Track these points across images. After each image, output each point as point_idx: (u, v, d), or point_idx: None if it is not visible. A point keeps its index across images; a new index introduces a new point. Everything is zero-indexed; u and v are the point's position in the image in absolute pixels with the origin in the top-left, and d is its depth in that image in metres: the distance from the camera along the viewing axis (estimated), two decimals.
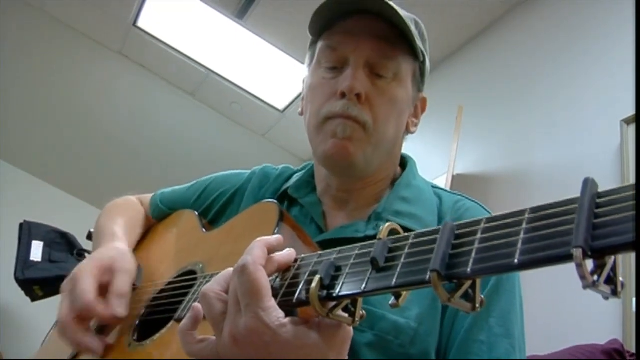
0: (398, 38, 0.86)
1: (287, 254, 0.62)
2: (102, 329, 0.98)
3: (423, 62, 0.92)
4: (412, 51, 0.88)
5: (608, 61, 2.24)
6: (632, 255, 1.66)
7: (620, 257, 0.37)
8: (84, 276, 0.88)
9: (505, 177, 2.52)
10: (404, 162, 0.97)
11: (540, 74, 2.59)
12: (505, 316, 0.77)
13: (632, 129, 1.98)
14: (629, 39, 2.10)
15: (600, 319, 1.79)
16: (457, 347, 0.76)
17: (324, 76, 0.88)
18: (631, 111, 1.97)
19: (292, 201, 0.96)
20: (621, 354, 1.54)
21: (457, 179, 2.61)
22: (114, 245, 0.99)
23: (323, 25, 0.89)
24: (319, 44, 0.90)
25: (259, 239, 0.62)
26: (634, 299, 1.67)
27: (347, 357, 0.59)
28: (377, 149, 0.86)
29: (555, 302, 1.94)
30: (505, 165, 2.55)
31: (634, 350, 1.56)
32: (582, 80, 2.33)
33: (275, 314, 0.55)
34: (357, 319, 0.56)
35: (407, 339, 0.75)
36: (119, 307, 0.86)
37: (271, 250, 0.62)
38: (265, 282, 0.56)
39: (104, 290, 0.89)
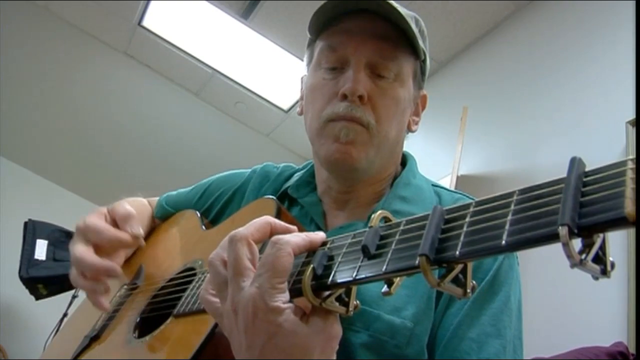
0: (399, 37, 0.85)
1: (319, 235, 0.61)
2: (105, 327, 0.99)
3: (424, 61, 0.91)
4: (413, 50, 0.87)
5: (613, 63, 2.23)
6: (632, 255, 1.65)
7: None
8: (91, 217, 0.95)
9: (510, 178, 2.51)
10: (404, 160, 0.96)
11: (545, 75, 2.58)
12: (498, 316, 0.75)
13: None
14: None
15: (605, 321, 1.78)
16: (445, 343, 0.74)
17: (324, 77, 0.87)
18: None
19: (293, 201, 0.96)
20: (625, 356, 1.53)
21: (461, 180, 2.60)
22: None
23: (323, 25, 0.88)
24: (319, 44, 0.89)
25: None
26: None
27: (334, 357, 0.57)
28: (380, 150, 0.85)
29: (560, 303, 1.93)
30: (510, 166, 2.54)
31: None
32: (587, 82, 2.32)
33: (279, 296, 0.54)
34: (351, 309, 0.55)
35: (403, 340, 0.73)
36: (134, 228, 0.93)
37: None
38: (289, 264, 0.56)
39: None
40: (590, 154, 2.13)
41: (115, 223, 0.96)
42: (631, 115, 1.99)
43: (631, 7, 2.19)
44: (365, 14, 0.84)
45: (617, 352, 1.54)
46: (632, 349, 1.57)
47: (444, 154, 2.79)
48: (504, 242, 0.39)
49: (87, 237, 0.93)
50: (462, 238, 0.43)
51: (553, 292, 1.92)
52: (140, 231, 0.94)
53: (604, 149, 2.07)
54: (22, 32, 3.87)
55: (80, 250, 0.91)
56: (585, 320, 1.85)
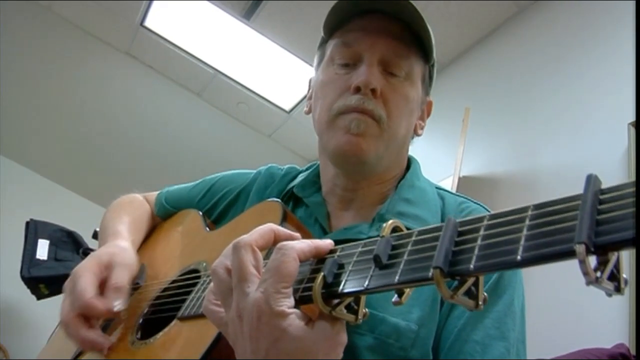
0: (412, 38, 0.87)
1: (326, 242, 0.61)
2: (106, 328, 0.99)
3: (432, 66, 0.93)
4: (424, 53, 0.89)
5: (616, 64, 2.23)
6: (633, 257, 1.65)
7: (624, 255, 0.37)
8: (84, 274, 0.89)
9: (511, 179, 2.50)
10: (408, 163, 0.97)
11: (547, 76, 2.57)
12: (502, 319, 0.76)
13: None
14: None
15: (606, 322, 1.78)
16: (449, 345, 0.75)
17: (337, 72, 0.88)
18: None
19: (297, 201, 0.96)
20: (627, 358, 1.53)
21: (463, 181, 2.59)
22: (115, 243, 1.00)
23: (338, 23, 0.89)
24: (332, 42, 0.90)
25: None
26: None
27: None
28: (389, 146, 0.86)
29: (562, 305, 1.93)
30: (512, 167, 2.54)
31: None
32: (590, 83, 2.32)
33: (284, 301, 0.54)
34: (360, 317, 0.56)
35: (408, 342, 0.74)
36: (115, 301, 0.86)
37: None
38: (294, 270, 0.56)
39: (104, 286, 0.89)
40: (593, 155, 2.13)
41: (106, 279, 0.91)
42: (634, 116, 1.99)
43: (634, 7, 2.19)
44: (380, 14, 0.86)
45: (619, 353, 1.54)
46: (633, 351, 1.57)
47: (445, 155, 2.79)
48: (519, 257, 0.39)
49: (73, 300, 0.88)
50: (476, 252, 0.43)
51: (554, 293, 1.92)
52: (121, 308, 0.87)
53: (606, 151, 2.06)
54: (24, 32, 3.87)
55: (65, 314, 0.87)
56: (587, 322, 1.85)
